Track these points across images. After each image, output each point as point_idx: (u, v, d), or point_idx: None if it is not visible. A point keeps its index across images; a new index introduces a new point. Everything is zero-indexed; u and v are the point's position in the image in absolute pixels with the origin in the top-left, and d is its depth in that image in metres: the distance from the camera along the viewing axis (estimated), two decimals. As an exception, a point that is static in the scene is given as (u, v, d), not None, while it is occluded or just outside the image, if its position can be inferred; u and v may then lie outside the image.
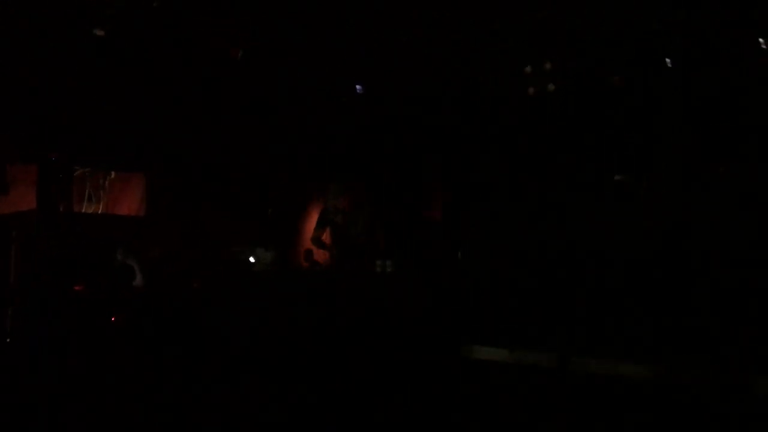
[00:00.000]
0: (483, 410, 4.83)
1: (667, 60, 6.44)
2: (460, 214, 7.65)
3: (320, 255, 7.09)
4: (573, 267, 6.36)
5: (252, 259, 6.84)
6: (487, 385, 5.50)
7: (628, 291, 5.91)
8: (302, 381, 5.33)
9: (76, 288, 6.41)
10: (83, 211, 7.63)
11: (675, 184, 5.93)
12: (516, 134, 7.45)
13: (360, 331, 5.72)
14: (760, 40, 5.89)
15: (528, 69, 7.15)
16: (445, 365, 5.85)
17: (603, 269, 6.14)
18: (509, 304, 6.60)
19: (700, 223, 5.69)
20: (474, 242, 7.25)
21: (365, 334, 5.71)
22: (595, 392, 5.09)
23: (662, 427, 4.37)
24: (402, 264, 6.39)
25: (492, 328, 6.32)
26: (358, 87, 7.70)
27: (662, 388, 4.90)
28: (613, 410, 4.72)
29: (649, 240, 5.92)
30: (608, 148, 6.63)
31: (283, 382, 5.32)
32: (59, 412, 4.66)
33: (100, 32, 6.52)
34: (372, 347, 5.64)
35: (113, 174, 7.98)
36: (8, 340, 6.21)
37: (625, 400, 4.89)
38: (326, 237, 7.10)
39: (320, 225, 7.03)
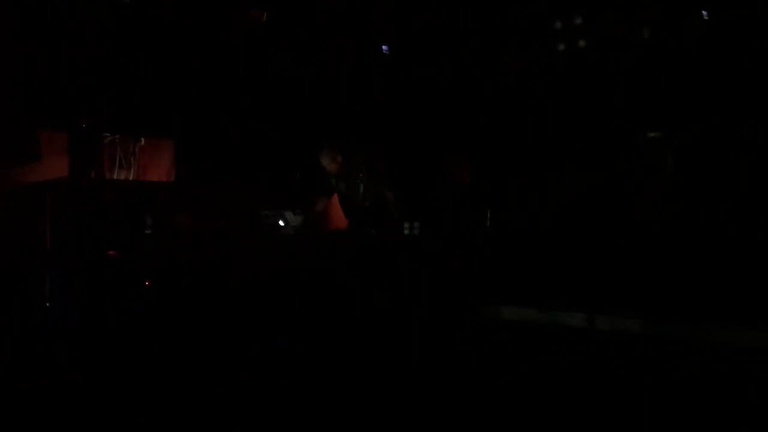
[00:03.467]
0: (510, 370, 4.83)
1: (704, 12, 6.25)
2: (489, 174, 7.58)
3: (339, 219, 7.09)
4: (602, 226, 6.28)
5: (281, 223, 6.87)
6: (515, 345, 5.50)
7: (656, 251, 5.83)
8: (327, 343, 5.38)
9: (110, 253, 6.52)
10: (114, 177, 7.72)
11: (707, 142, 5.79)
12: (546, 93, 7.32)
13: (386, 292, 5.74)
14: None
15: (558, 25, 7.00)
16: (471, 325, 5.86)
17: (631, 229, 6.05)
18: (537, 263, 6.56)
19: (730, 183, 5.56)
20: (502, 202, 7.19)
21: (392, 295, 5.73)
22: (624, 352, 5.06)
23: (687, 385, 4.34)
24: (429, 225, 6.36)
25: (520, 287, 6.30)
26: (384, 48, 7.61)
27: (688, 348, 4.85)
28: (639, 369, 4.69)
29: (678, 200, 5.81)
30: (639, 108, 6.48)
31: (309, 343, 5.38)
32: (95, 374, 4.78)
33: (125, -1, 6.55)
34: (399, 308, 5.66)
35: (143, 140, 8.05)
36: (47, 304, 6.37)
37: (651, 360, 4.86)
38: (328, 206, 7.08)
39: (322, 192, 6.95)
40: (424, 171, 7.94)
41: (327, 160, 6.77)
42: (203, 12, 7.15)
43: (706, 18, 6.22)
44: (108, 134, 7.72)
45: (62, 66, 7.03)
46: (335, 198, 7.11)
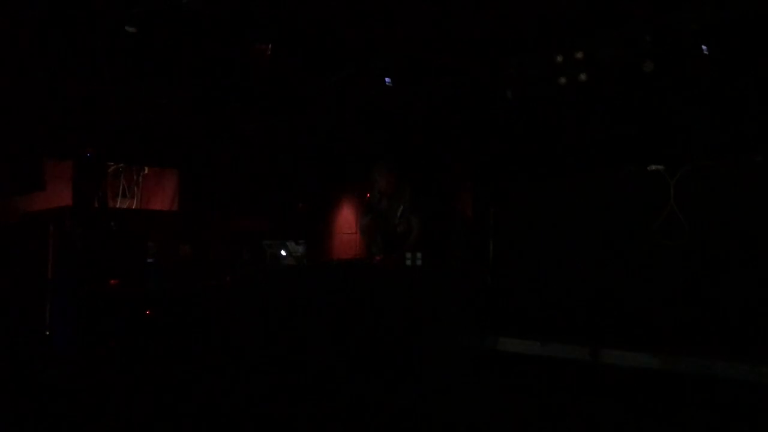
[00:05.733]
0: (513, 403, 4.79)
1: (704, 47, 6.30)
2: (491, 206, 7.58)
3: (354, 245, 7.06)
4: (604, 259, 6.27)
5: (283, 253, 6.86)
6: (518, 378, 5.46)
7: (659, 282, 5.82)
8: (331, 374, 5.35)
9: (112, 282, 6.51)
10: (118, 206, 7.74)
11: (710, 174, 5.81)
12: (547, 126, 7.36)
13: (389, 325, 5.71)
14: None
15: (559, 59, 7.06)
16: (475, 358, 5.82)
17: (634, 260, 6.04)
18: (540, 296, 6.54)
19: (735, 214, 5.56)
20: (505, 235, 7.19)
21: (395, 328, 5.70)
22: (626, 385, 5.02)
23: (692, 419, 4.30)
24: (432, 257, 6.35)
25: (523, 320, 6.27)
26: (387, 80, 7.68)
27: (691, 381, 4.81)
28: (643, 402, 4.65)
29: (682, 231, 5.81)
30: (641, 139, 6.51)
31: (311, 375, 5.34)
32: (94, 402, 4.75)
33: (131, 29, 6.61)
34: (401, 340, 5.63)
35: (146, 169, 8.09)
36: (47, 332, 6.35)
37: (654, 393, 4.82)
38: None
39: (367, 211, 6.90)
40: (428, 202, 7.94)
41: (379, 174, 6.73)
42: (208, 43, 7.21)
43: (705, 52, 6.27)
44: (112, 163, 7.77)
45: (67, 95, 7.08)
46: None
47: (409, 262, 6.22)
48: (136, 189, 7.94)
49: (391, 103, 8.05)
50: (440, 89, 7.77)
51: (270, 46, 7.22)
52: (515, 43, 7.01)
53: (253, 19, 6.73)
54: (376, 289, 5.96)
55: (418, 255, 6.27)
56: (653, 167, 6.31)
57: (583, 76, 6.81)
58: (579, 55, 6.81)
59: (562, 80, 6.99)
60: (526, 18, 6.46)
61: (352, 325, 5.79)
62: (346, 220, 8.94)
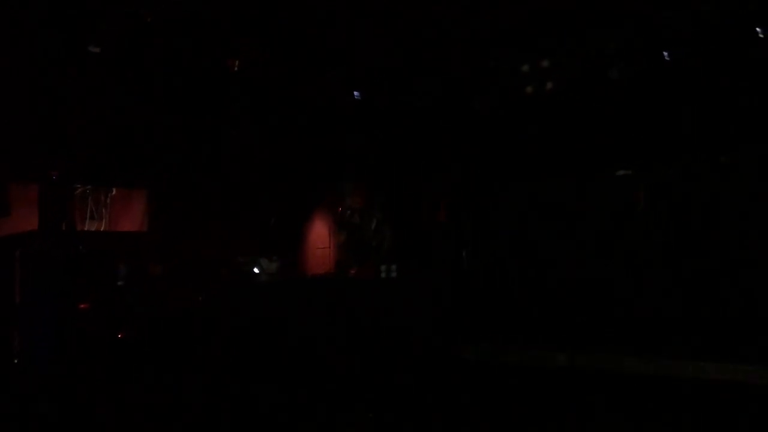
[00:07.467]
0: (489, 410, 4.80)
1: (665, 53, 6.43)
2: (464, 215, 7.62)
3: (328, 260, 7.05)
4: (577, 265, 6.33)
5: (256, 270, 6.82)
6: (493, 385, 5.47)
7: (632, 288, 5.88)
8: (305, 384, 5.31)
9: (81, 306, 6.40)
10: (86, 228, 7.61)
11: (677, 177, 5.90)
12: (518, 134, 7.43)
13: (365, 333, 5.70)
14: (757, 29, 5.90)
15: (525, 68, 7.15)
16: (449, 366, 5.82)
17: (606, 266, 6.11)
18: (515, 303, 6.57)
19: (703, 217, 5.65)
20: (478, 242, 7.22)
21: (370, 336, 5.69)
22: (601, 388, 5.05)
23: (667, 422, 4.34)
24: (407, 267, 6.36)
25: (496, 327, 6.29)
26: (356, 93, 7.71)
27: (667, 384, 4.85)
28: (619, 406, 4.68)
29: (651, 235, 5.88)
30: (611, 145, 6.60)
31: (287, 386, 5.30)
32: (67, 428, 4.66)
33: (95, 49, 6.55)
34: (377, 349, 5.62)
35: (114, 191, 7.97)
36: (16, 360, 6.20)
37: (629, 396, 4.85)
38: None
39: (341, 228, 6.93)
40: (403, 213, 7.95)
41: (348, 191, 6.75)
42: (175, 62, 7.18)
43: (667, 59, 6.40)
44: (79, 185, 7.64)
45: (31, 118, 6.98)
46: None
47: (384, 274, 6.24)
48: (104, 211, 7.81)
49: (365, 116, 8.07)
50: (414, 101, 7.81)
51: (237, 62, 7.22)
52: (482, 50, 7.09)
53: (220, 33, 6.72)
54: (351, 301, 5.95)
55: (393, 267, 6.29)
56: (621, 172, 6.40)
57: (549, 85, 6.91)
58: (546, 64, 6.91)
59: (529, 90, 7.08)
60: (495, 24, 6.54)
61: (328, 337, 5.76)
62: (319, 235, 8.89)
